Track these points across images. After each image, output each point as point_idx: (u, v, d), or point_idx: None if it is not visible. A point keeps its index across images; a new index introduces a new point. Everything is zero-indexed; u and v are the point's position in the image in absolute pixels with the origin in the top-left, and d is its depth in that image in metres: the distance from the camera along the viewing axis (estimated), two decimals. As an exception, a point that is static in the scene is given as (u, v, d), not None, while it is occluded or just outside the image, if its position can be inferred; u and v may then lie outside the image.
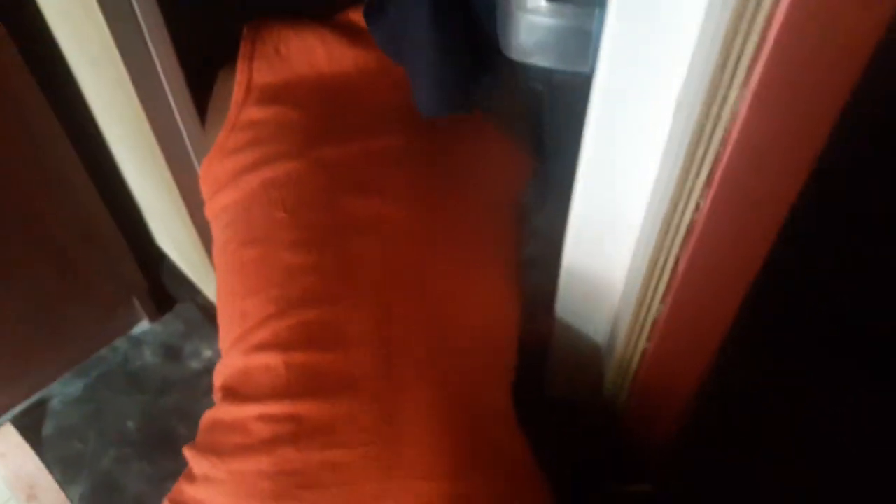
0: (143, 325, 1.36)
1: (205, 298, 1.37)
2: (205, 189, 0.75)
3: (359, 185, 0.67)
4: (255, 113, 0.70)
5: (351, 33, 0.72)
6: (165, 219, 1.14)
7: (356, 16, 0.74)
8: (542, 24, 0.52)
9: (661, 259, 0.59)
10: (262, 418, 0.61)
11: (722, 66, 0.44)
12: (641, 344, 0.68)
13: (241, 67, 0.73)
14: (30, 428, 1.26)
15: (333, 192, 0.67)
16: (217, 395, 0.67)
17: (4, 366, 1.17)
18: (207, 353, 1.33)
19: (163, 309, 1.38)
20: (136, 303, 1.31)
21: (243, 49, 0.73)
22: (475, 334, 0.67)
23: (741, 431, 1.07)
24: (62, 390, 1.29)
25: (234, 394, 0.64)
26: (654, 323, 0.64)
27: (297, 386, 0.61)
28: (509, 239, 0.75)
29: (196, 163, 0.89)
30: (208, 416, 0.67)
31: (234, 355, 0.65)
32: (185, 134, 0.84)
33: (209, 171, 0.73)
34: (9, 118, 0.93)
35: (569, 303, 0.73)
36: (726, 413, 1.04)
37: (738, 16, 0.41)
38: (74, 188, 1.06)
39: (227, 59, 0.78)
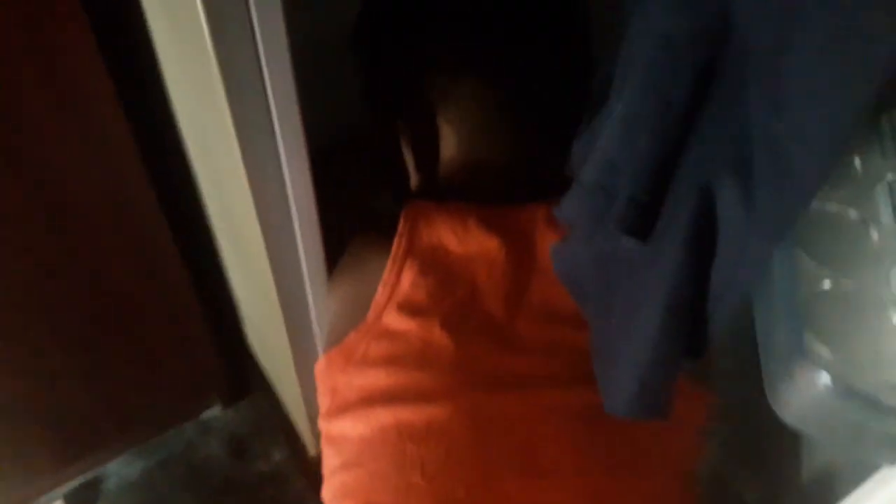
0: (215, 410, 1.27)
1: (279, 395, 1.27)
2: (322, 391, 0.63)
3: (517, 457, 0.55)
4: (395, 321, 0.58)
5: (526, 245, 0.60)
6: (263, 331, 1.05)
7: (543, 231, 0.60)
8: (830, 408, 0.37)
9: None
10: None
11: None
12: None
13: (390, 266, 0.60)
14: (80, 507, 1.18)
15: (485, 463, 0.55)
16: None
17: (68, 438, 1.10)
18: (276, 457, 1.23)
19: (237, 395, 1.29)
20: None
21: (397, 245, 0.60)
22: None
23: None
24: (119, 471, 1.21)
25: None
26: None
27: None
28: None
29: (310, 295, 0.79)
30: None
31: None
32: (306, 277, 0.74)
33: (329, 373, 0.62)
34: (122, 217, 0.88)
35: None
36: None
37: None
38: (167, 279, 0.99)
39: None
